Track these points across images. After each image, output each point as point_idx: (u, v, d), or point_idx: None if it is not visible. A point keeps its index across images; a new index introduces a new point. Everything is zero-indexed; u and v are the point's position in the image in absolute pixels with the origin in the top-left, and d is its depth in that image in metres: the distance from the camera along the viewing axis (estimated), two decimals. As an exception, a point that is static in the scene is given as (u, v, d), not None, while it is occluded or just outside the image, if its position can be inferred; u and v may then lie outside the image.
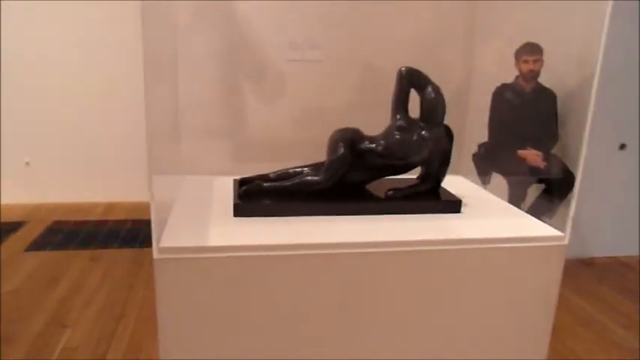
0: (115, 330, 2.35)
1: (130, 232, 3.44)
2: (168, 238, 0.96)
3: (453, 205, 1.20)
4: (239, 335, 0.97)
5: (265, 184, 1.14)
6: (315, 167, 1.18)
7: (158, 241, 0.93)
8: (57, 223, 3.55)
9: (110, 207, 3.90)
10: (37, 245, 3.19)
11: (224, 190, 1.23)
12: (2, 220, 3.54)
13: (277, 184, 1.14)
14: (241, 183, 1.17)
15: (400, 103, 1.24)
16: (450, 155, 1.23)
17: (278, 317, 0.98)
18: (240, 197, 1.11)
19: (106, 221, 3.62)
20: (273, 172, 1.19)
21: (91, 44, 3.67)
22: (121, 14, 3.56)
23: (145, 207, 3.98)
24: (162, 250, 0.91)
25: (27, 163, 3.80)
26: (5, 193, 3.81)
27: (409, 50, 2.59)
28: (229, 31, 3.16)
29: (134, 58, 3.62)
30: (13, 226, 3.46)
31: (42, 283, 2.74)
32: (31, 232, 3.40)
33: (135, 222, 3.61)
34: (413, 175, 1.27)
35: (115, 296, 2.64)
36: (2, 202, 3.80)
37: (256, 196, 1.13)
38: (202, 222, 1.06)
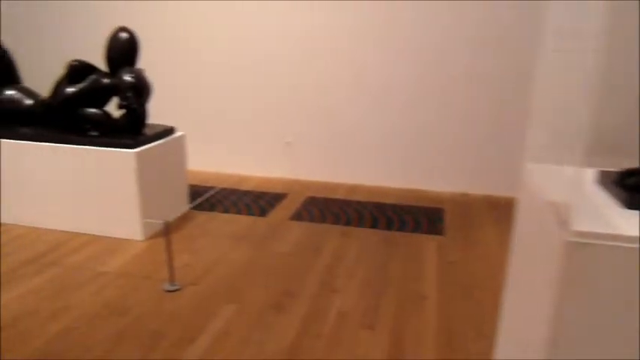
0: (377, 304, 2.51)
1: (374, 214, 3.64)
2: (575, 222, 0.95)
3: None
4: None
5: (659, 178, 1.06)
6: None
7: (569, 223, 0.93)
8: (311, 198, 3.95)
9: (352, 188, 4.19)
10: (298, 216, 3.59)
11: (582, 181, 1.18)
12: (270, 191, 4.08)
13: (673, 179, 1.05)
14: (624, 175, 1.11)
15: None
16: None
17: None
18: (631, 189, 1.05)
19: (350, 201, 3.90)
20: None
21: (340, 31, 3.95)
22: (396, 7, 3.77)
23: (385, 191, 4.16)
24: (576, 234, 0.91)
25: (288, 143, 4.31)
26: (272, 167, 4.39)
27: None
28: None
29: (385, 46, 3.82)
30: (279, 197, 3.96)
31: (308, 250, 3.07)
32: (292, 203, 3.84)
33: (377, 205, 3.81)
34: None
35: (372, 272, 2.82)
36: (270, 176, 4.39)
37: (647, 190, 1.05)
38: (593, 211, 1.03)
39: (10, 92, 3.29)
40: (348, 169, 4.26)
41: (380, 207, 3.77)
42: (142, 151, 3.01)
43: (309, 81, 4.14)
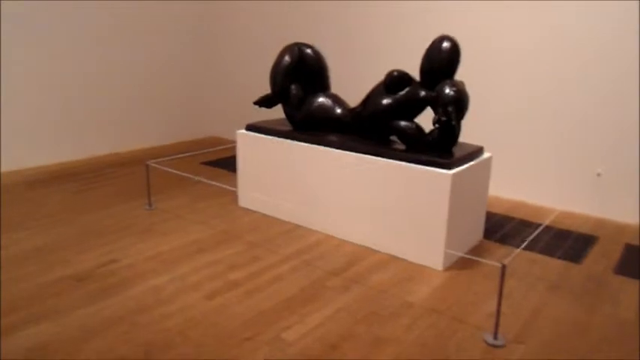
0: None
1: None
2: None
3: None
4: None
5: None
6: None
7: None
8: (631, 246, 3.17)
9: (683, 241, 3.26)
10: (624, 269, 2.87)
11: None
12: (574, 230, 3.43)
13: None
14: None
15: None
16: None
17: None
18: None
19: (689, 259, 3.00)
20: None
21: None
22: None
23: None
24: None
25: (598, 175, 3.58)
26: (575, 201, 3.72)
27: None
28: None
29: None
30: (588, 239, 3.28)
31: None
32: (609, 250, 3.12)
33: None
34: None
35: None
36: (572, 210, 3.74)
37: None
38: None
39: (321, 100, 3.33)
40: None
41: None
42: (457, 172, 2.70)
43: (630, 105, 3.36)
